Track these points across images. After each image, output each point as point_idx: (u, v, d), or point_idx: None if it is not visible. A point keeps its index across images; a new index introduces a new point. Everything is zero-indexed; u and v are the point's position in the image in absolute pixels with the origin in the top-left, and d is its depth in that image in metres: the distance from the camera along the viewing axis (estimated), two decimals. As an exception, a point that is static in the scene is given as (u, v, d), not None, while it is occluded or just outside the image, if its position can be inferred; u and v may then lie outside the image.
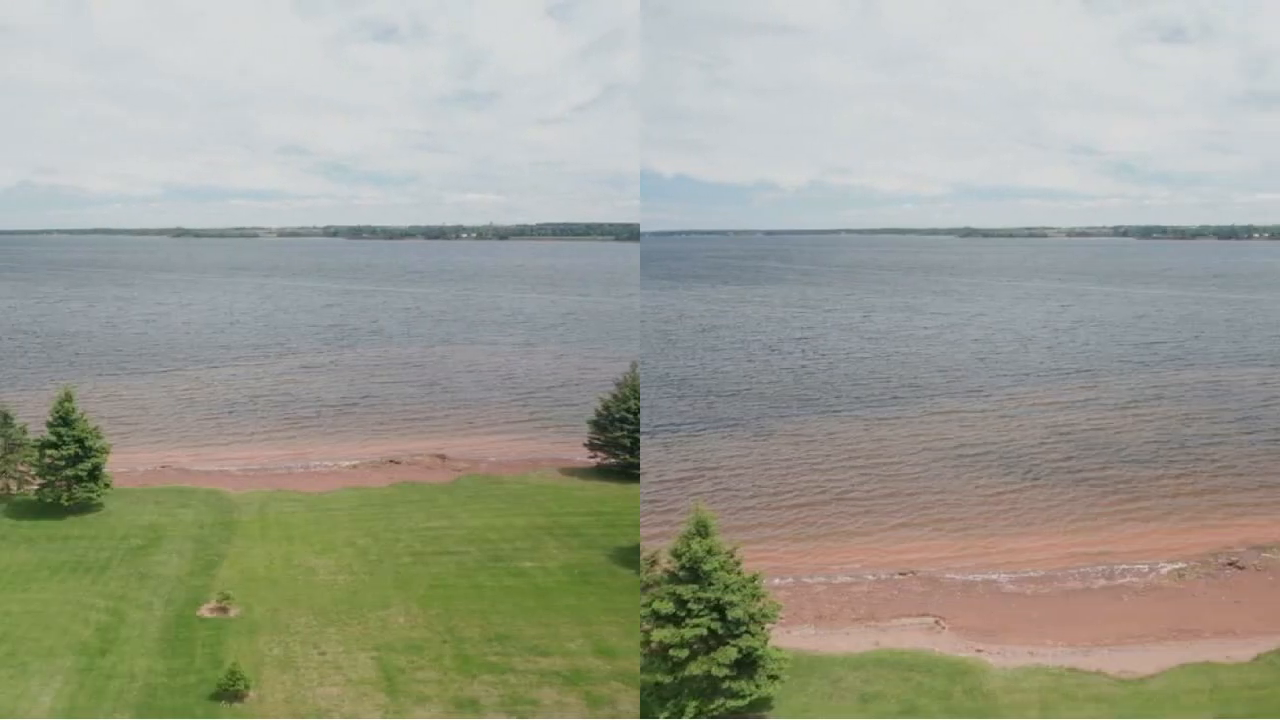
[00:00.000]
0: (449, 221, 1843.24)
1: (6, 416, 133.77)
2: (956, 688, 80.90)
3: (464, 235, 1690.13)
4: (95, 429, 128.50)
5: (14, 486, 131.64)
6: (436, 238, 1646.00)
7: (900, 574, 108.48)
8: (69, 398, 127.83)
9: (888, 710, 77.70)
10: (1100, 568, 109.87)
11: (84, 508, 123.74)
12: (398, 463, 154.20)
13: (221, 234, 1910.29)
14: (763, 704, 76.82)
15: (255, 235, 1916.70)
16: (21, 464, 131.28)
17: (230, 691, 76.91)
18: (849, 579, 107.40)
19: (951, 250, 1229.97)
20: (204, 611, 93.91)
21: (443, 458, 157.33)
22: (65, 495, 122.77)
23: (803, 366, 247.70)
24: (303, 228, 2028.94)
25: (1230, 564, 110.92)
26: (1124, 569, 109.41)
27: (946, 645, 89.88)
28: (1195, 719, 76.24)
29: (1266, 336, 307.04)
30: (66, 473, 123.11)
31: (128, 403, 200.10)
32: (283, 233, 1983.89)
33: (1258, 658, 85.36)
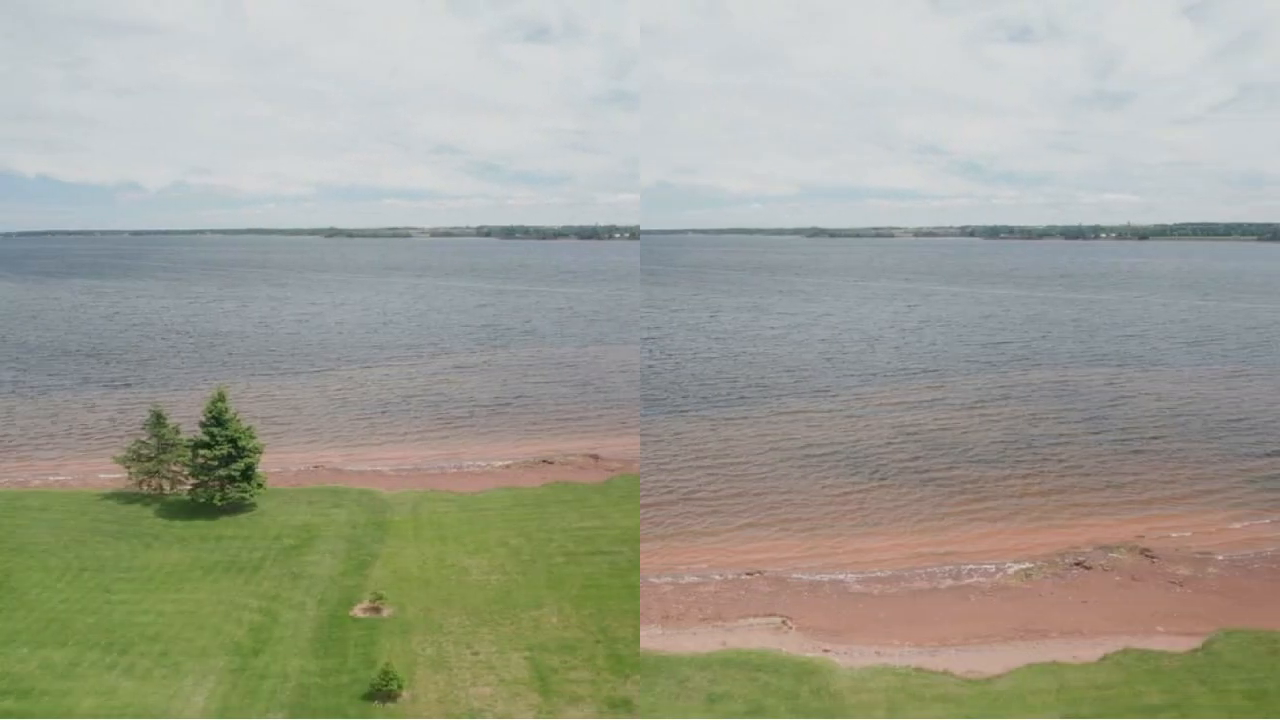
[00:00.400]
0: (602, 221, 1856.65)
1: (159, 416, 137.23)
2: (804, 688, 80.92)
3: (617, 235, 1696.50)
4: (248, 429, 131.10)
5: (167, 486, 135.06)
6: (589, 238, 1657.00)
7: (747, 574, 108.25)
8: (222, 398, 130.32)
9: (734, 710, 77.51)
10: (947, 568, 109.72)
11: (237, 507, 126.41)
12: (551, 462, 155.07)
13: (374, 234, 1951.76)
14: None
15: (408, 235, 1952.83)
16: (175, 464, 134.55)
17: (383, 692, 78.02)
18: (696, 579, 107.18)
19: (799, 250, 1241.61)
20: (357, 611, 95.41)
21: (596, 457, 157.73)
22: (218, 495, 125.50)
23: (649, 366, 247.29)
24: (456, 228, 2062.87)
25: (1077, 564, 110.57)
26: (971, 569, 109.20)
27: (794, 645, 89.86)
28: (1042, 719, 75.96)
29: (1113, 336, 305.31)
30: (219, 473, 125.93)
31: (281, 403, 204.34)
32: (435, 233, 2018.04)
33: (1104, 658, 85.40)
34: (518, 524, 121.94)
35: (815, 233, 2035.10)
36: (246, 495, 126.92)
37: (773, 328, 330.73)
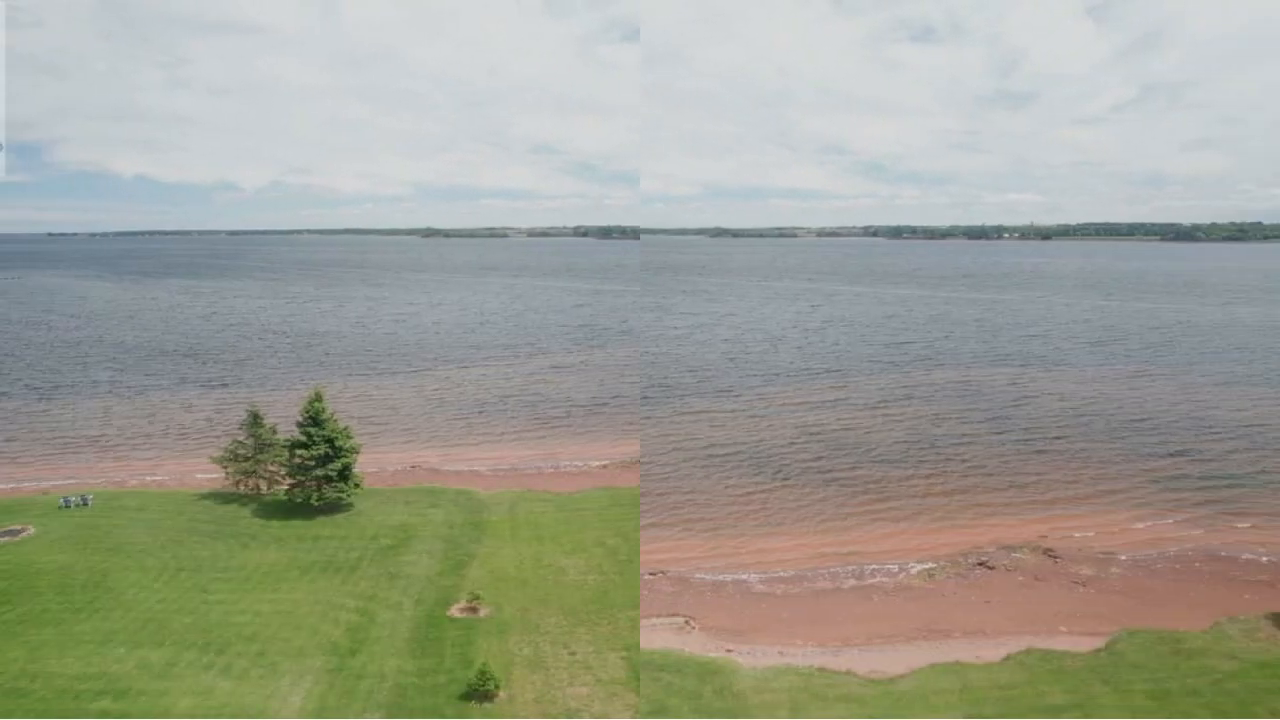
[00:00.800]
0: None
1: (256, 416, 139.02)
2: (706, 687, 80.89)
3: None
4: (345, 429, 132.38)
5: (264, 486, 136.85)
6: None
7: (650, 574, 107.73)
8: (319, 398, 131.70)
9: (638, 710, 77.20)
10: (850, 567, 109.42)
11: (334, 507, 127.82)
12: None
13: (471, 234, 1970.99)
14: None
15: (505, 235, 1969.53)
16: (271, 464, 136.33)
17: (480, 691, 78.48)
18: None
19: (702, 250, 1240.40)
20: (454, 611, 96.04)
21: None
22: (315, 495, 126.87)
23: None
24: (553, 227, 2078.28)
25: (980, 564, 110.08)
26: (874, 569, 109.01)
27: (696, 645, 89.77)
28: (945, 719, 75.80)
29: (1016, 336, 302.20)
30: (316, 473, 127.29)
31: (378, 403, 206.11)
32: (532, 232, 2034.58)
33: (1007, 658, 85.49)
34: (615, 524, 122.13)
35: (719, 232, 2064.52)
36: (343, 495, 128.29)
37: (676, 328, 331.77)
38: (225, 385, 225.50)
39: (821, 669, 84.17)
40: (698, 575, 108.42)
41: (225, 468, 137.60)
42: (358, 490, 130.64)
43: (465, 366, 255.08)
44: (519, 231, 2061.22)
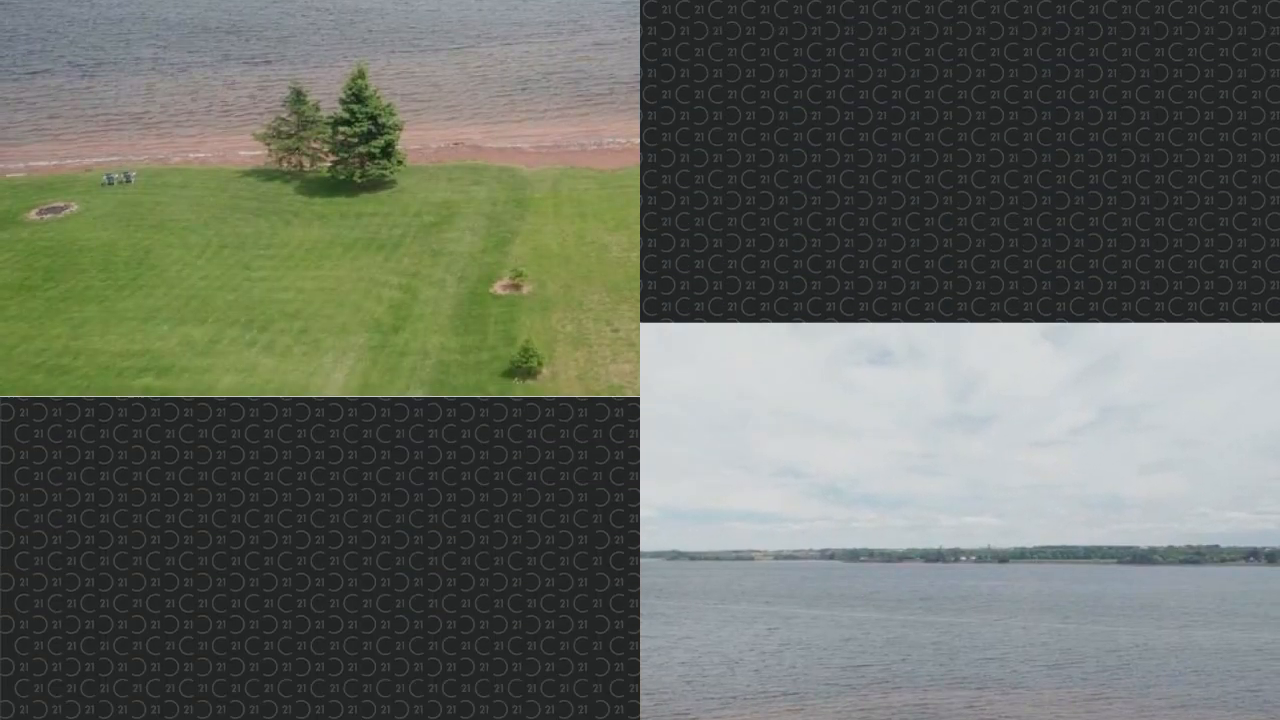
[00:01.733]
0: None
1: (299, 94, 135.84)
2: None
3: None
4: (388, 106, 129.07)
5: (307, 163, 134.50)
6: None
7: None
8: (362, 74, 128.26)
9: None
10: None
11: (376, 185, 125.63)
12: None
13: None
14: None
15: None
16: (314, 141, 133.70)
17: (523, 368, 77.68)
18: None
19: (659, 573, 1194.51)
20: (497, 288, 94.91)
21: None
22: (358, 172, 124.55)
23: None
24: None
25: None
26: None
27: None
28: None
29: (973, 659, 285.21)
30: (359, 149, 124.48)
31: (420, 80, 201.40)
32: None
33: None
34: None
35: (675, 555, 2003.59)
36: (386, 172, 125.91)
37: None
38: (268, 62, 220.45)
39: None
40: None
41: (268, 144, 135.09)
42: (400, 167, 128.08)
43: (508, 43, 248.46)
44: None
